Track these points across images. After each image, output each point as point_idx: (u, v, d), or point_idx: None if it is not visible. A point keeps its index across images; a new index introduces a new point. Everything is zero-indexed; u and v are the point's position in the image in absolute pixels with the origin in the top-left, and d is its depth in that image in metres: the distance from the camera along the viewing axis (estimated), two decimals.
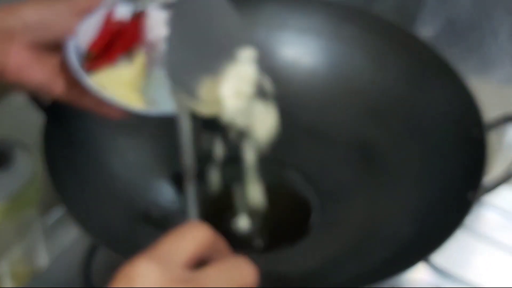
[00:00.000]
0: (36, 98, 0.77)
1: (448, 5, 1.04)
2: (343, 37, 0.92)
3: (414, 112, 0.87)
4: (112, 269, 0.78)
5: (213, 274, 0.40)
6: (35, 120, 0.79)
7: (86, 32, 0.68)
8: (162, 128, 0.85)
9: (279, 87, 0.93)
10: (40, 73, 0.66)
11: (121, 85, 0.68)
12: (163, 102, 0.68)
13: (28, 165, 0.77)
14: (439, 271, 0.85)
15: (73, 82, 0.66)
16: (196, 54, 0.66)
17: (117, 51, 0.69)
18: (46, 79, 0.67)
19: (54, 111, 0.77)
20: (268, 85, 0.69)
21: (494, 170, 1.00)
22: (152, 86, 0.70)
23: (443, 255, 0.83)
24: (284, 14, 0.93)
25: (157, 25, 0.70)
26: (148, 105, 0.68)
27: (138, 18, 0.71)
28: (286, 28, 0.93)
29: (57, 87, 0.67)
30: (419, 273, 0.85)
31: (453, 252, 0.85)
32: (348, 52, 0.92)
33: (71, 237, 0.87)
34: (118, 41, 0.69)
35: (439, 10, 1.06)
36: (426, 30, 1.07)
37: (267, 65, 0.94)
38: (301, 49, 0.94)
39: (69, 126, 0.78)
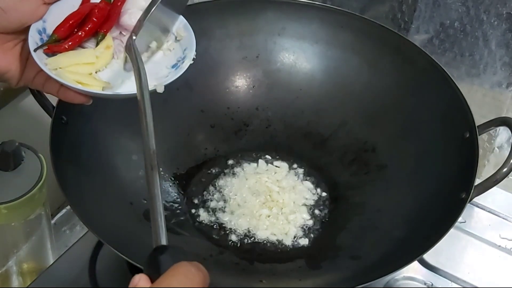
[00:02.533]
0: (43, 101, 0.79)
1: (441, 11, 1.05)
2: (340, 42, 0.93)
3: (408, 116, 0.88)
4: (116, 267, 0.80)
5: None
6: (42, 122, 0.80)
7: (57, 16, 0.67)
8: (164, 129, 0.87)
9: (278, 91, 0.95)
10: (1, 60, 0.65)
11: (78, 67, 0.66)
12: (118, 86, 0.67)
13: (36, 166, 0.77)
14: (432, 269, 0.86)
15: (37, 68, 0.64)
16: None
17: (83, 34, 0.67)
18: (7, 66, 0.65)
19: (61, 114, 0.78)
20: None
21: (485, 171, 1.02)
22: (113, 70, 0.69)
23: (436, 254, 0.85)
24: (283, 20, 0.94)
25: (134, 9, 0.69)
26: (103, 87, 0.67)
27: (114, 1, 0.69)
28: (285, 34, 0.95)
29: (17, 74, 0.66)
30: (413, 271, 0.85)
31: (446, 251, 0.86)
32: (344, 57, 0.93)
33: (77, 236, 0.88)
34: (86, 23, 0.67)
35: (433, 17, 1.06)
36: (420, 36, 1.08)
37: (266, 69, 0.95)
38: (299, 54, 0.95)
39: (75, 129, 0.79)
